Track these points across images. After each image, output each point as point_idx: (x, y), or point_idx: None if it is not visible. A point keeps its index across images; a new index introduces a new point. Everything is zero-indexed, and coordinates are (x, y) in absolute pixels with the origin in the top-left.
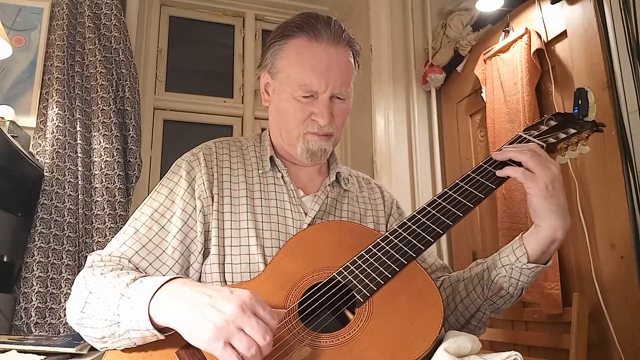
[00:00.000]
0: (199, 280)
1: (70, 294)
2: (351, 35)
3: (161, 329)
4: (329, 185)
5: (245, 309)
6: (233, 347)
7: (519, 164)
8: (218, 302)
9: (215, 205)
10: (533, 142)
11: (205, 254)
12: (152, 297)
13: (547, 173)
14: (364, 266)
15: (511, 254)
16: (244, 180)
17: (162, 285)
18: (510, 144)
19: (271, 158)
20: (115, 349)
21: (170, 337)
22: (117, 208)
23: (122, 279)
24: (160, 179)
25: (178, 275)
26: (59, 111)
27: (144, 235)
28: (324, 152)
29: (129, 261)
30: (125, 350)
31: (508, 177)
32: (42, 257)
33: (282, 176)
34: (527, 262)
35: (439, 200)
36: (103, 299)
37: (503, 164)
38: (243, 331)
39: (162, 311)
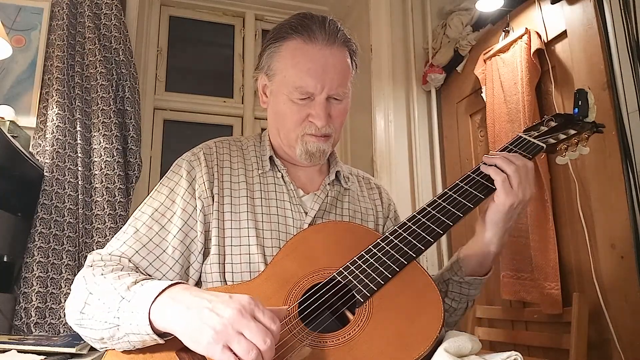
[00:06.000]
0: (199, 279)
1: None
2: (347, 34)
3: (161, 334)
4: (328, 184)
5: (244, 312)
6: (232, 351)
7: None
8: (217, 307)
9: (216, 205)
10: (535, 143)
11: (206, 253)
12: (152, 302)
13: (520, 194)
14: (364, 266)
15: (450, 269)
16: (244, 180)
17: (163, 290)
18: (510, 144)
19: (270, 158)
20: (114, 349)
21: (171, 338)
22: (117, 208)
23: (123, 280)
24: (161, 179)
25: (180, 280)
26: (59, 111)
27: (144, 234)
28: (323, 153)
29: (129, 261)
30: (125, 351)
31: (488, 175)
32: (42, 257)
33: (282, 176)
34: (465, 276)
35: (439, 201)
36: (103, 300)
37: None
38: (242, 335)
39: (162, 316)
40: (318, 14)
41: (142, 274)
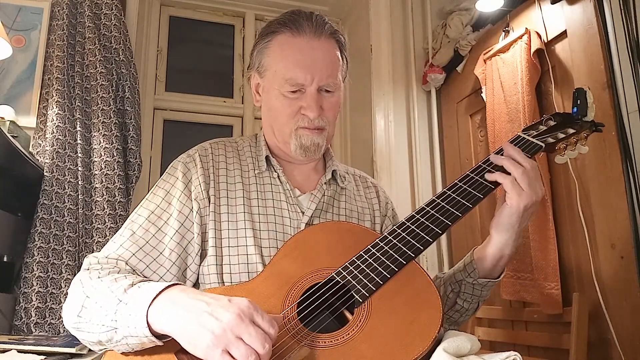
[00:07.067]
0: (197, 281)
1: None
2: (334, 27)
3: (159, 336)
4: (325, 183)
5: (243, 317)
6: (231, 356)
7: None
8: (216, 310)
9: (212, 206)
10: (534, 142)
11: (203, 255)
12: (150, 304)
13: (532, 195)
14: (362, 266)
15: (463, 270)
16: (241, 180)
17: (160, 292)
18: (509, 143)
19: (267, 157)
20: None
21: (169, 339)
22: (117, 208)
23: (120, 283)
24: (157, 181)
25: (177, 282)
26: (59, 111)
27: (140, 237)
28: (318, 147)
29: (126, 263)
30: (124, 352)
31: (496, 181)
32: (42, 257)
33: (278, 176)
34: (478, 279)
35: (438, 201)
36: (100, 304)
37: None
38: (241, 340)
39: (160, 319)
40: (306, 10)
41: (139, 276)
